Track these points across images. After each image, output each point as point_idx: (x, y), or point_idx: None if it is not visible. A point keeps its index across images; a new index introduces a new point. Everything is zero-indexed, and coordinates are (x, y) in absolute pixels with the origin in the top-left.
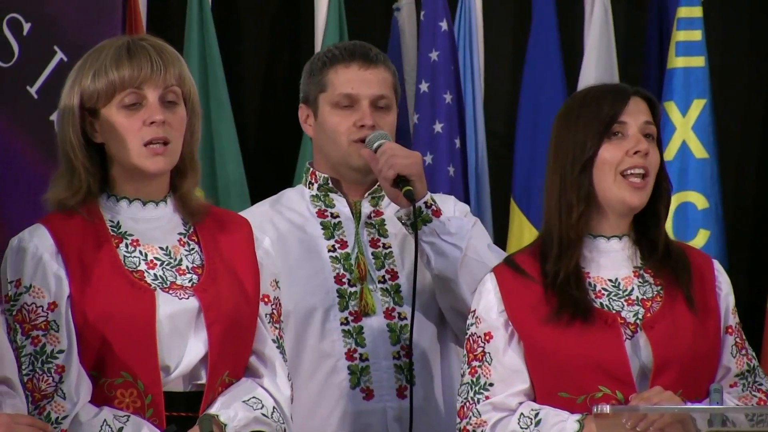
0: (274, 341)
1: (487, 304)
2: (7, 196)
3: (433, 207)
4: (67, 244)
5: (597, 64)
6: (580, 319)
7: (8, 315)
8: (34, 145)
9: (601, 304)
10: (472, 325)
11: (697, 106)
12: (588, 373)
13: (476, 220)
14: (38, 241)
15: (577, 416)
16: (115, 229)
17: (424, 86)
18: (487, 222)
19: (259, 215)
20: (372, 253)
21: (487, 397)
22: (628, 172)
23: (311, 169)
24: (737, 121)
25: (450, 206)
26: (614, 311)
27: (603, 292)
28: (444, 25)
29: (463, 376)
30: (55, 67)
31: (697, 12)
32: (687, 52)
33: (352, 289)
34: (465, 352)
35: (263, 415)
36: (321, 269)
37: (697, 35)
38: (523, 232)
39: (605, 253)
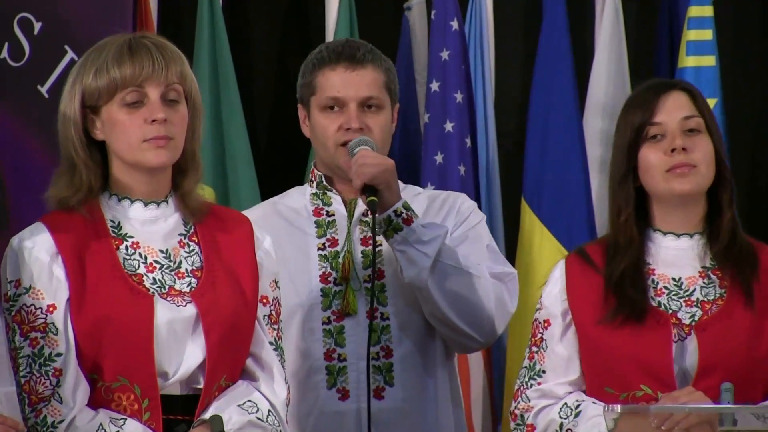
0: (271, 343)
1: (552, 291)
2: (17, 195)
3: (404, 215)
4: (67, 244)
5: (608, 63)
6: (633, 320)
7: (7, 315)
8: (45, 145)
9: (659, 302)
10: (537, 310)
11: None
12: (632, 371)
13: (480, 221)
14: (38, 241)
15: None
16: (116, 230)
17: (434, 86)
18: (498, 221)
19: (258, 213)
20: (362, 252)
21: (539, 384)
22: (672, 170)
23: (313, 167)
24: (748, 120)
25: (450, 206)
26: (670, 311)
27: (664, 290)
28: (455, 24)
29: (524, 359)
30: (66, 67)
31: (708, 11)
32: (698, 52)
33: (337, 288)
34: (530, 335)
35: (258, 419)
36: (308, 267)
37: (708, 34)
38: (534, 232)
39: (672, 250)
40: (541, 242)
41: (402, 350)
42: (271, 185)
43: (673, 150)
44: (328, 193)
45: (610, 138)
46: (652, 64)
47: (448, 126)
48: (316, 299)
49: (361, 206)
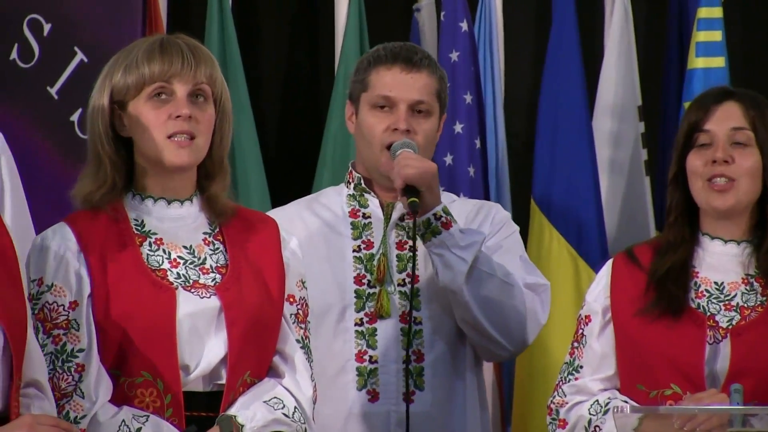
0: (298, 341)
1: (596, 288)
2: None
3: (443, 219)
4: (89, 242)
5: (617, 64)
6: (669, 316)
7: (31, 314)
8: (54, 146)
9: (698, 304)
10: (582, 307)
11: None
12: (663, 369)
13: (513, 231)
14: (61, 240)
15: None
16: (139, 228)
17: None
18: None
19: (291, 212)
20: (397, 255)
21: (576, 379)
22: (712, 180)
23: (350, 168)
24: None
25: (485, 214)
26: (709, 313)
27: (705, 293)
28: (464, 25)
29: (566, 355)
30: (75, 68)
31: (717, 12)
32: (707, 53)
33: (371, 291)
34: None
35: (284, 414)
36: (342, 269)
37: (717, 36)
38: (543, 233)
39: (718, 255)
40: (551, 243)
41: (433, 355)
42: (280, 186)
43: (714, 161)
44: (366, 195)
45: (619, 139)
46: (662, 66)
47: (458, 127)
48: (349, 300)
49: (398, 210)
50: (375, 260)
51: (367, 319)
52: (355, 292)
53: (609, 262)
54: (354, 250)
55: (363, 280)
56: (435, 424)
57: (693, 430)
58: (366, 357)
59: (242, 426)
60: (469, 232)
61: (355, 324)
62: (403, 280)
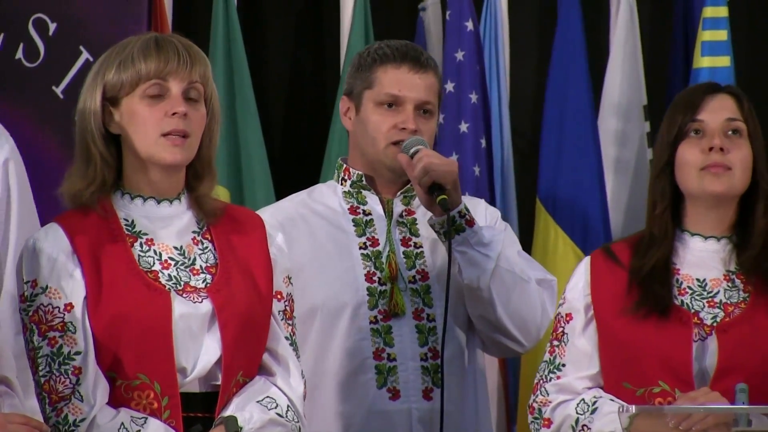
0: (287, 338)
1: (575, 285)
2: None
3: (467, 216)
4: (82, 243)
5: (622, 63)
6: (656, 315)
7: (24, 315)
8: (60, 145)
9: (681, 301)
10: (560, 305)
11: None
12: (651, 367)
13: (506, 226)
14: (53, 241)
15: None
16: (130, 228)
17: (449, 86)
18: (513, 222)
19: (288, 208)
20: (403, 252)
21: (558, 377)
22: (707, 169)
23: (344, 165)
24: (763, 120)
25: (481, 211)
26: (693, 310)
27: (687, 290)
28: (469, 24)
29: (544, 353)
30: (80, 67)
31: (722, 12)
32: (712, 52)
33: (382, 288)
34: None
35: (278, 414)
36: (351, 266)
37: (722, 35)
38: (549, 232)
39: (698, 252)
40: (556, 243)
41: (448, 352)
42: (285, 184)
43: (710, 149)
44: (364, 192)
45: (624, 138)
46: (667, 65)
47: (463, 126)
48: (362, 298)
49: (399, 207)
50: (383, 258)
51: (381, 316)
52: (368, 289)
53: (586, 260)
54: (360, 247)
55: (373, 278)
56: (452, 421)
57: (689, 429)
58: (384, 355)
59: (240, 428)
60: (488, 229)
61: (370, 322)
62: (413, 277)
